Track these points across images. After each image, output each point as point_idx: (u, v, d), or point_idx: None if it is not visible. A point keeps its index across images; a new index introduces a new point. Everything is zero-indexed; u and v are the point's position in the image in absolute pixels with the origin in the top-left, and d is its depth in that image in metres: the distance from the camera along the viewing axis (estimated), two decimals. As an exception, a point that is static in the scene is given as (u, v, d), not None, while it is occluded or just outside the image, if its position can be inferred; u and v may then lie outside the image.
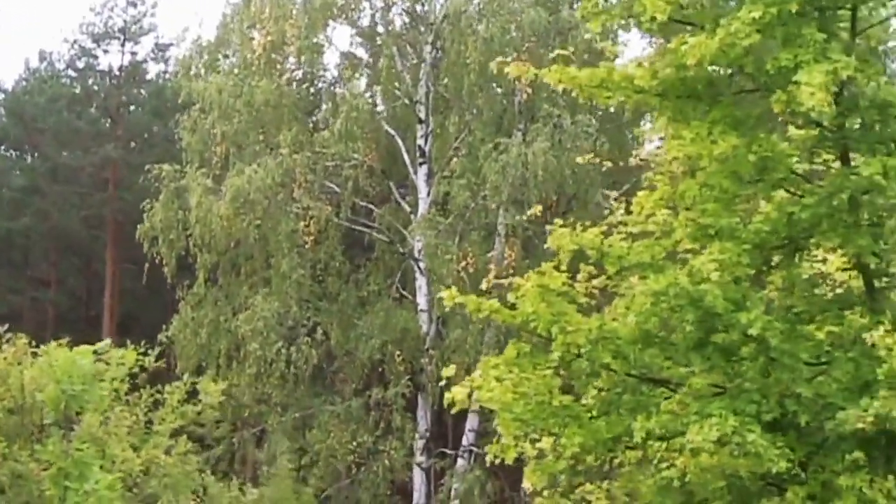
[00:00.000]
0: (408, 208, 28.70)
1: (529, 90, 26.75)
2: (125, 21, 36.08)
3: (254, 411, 27.28)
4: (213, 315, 27.79)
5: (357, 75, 29.84)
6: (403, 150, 29.12)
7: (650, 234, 11.04)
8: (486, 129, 27.95)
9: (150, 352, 13.21)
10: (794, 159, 10.57)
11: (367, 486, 27.52)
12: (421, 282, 28.03)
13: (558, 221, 11.13)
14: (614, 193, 11.92)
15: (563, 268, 10.98)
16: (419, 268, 27.97)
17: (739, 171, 10.35)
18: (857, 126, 10.39)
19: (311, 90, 30.04)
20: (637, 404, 10.55)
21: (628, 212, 10.98)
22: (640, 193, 11.03)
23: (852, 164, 10.37)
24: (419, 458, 27.86)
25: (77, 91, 38.10)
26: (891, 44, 11.22)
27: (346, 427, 27.30)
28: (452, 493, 27.17)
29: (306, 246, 27.62)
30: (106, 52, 36.82)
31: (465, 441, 27.30)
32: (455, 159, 28.30)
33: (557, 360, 10.48)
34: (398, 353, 27.62)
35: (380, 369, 28.31)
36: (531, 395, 10.58)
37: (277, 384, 26.88)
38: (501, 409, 10.59)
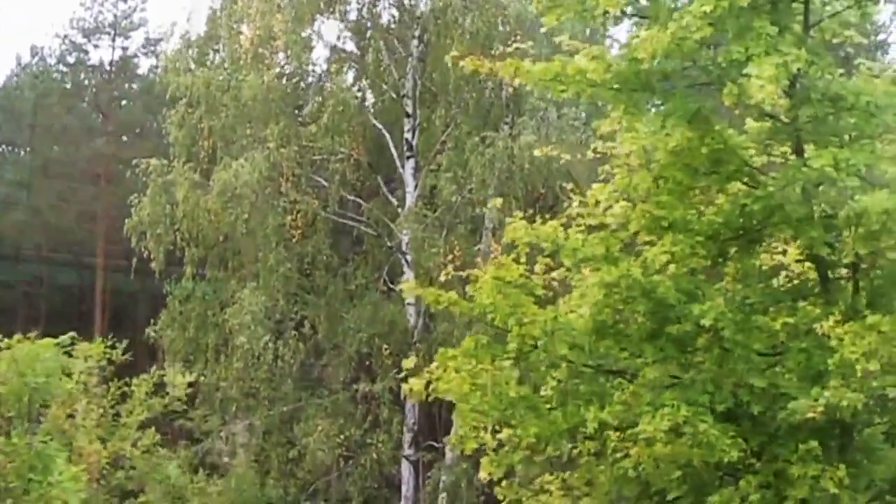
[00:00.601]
0: (395, 202, 28.75)
1: (516, 84, 26.68)
2: (115, 16, 36.14)
3: (241, 405, 27.34)
4: (200, 309, 27.88)
5: (345, 69, 29.86)
6: (391, 143, 29.16)
7: (608, 227, 11.11)
8: (472, 123, 27.98)
9: (117, 345, 13.33)
10: (750, 152, 10.63)
11: (355, 479, 27.60)
12: (408, 275, 28.05)
13: (518, 214, 11.19)
14: (570, 185, 12.01)
15: (523, 260, 11.06)
16: (407, 261, 28.03)
17: (693, 163, 10.42)
18: (809, 119, 10.42)
19: (300, 84, 30.04)
20: (593, 395, 10.64)
21: (583, 204, 11.07)
22: (594, 186, 11.12)
23: (805, 156, 10.43)
24: (407, 451, 27.93)
25: (68, 86, 38.19)
26: (858, 39, 11.13)
27: (334, 420, 27.36)
28: (440, 485, 27.24)
29: (293, 240, 27.67)
30: (97, 47, 36.91)
31: (453, 434, 27.33)
32: (442, 153, 28.32)
33: (515, 351, 10.56)
34: (385, 346, 27.68)
35: (367, 363, 28.35)
36: (489, 387, 10.66)
37: (265, 378, 26.95)
38: (459, 401, 10.70)
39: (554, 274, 11.21)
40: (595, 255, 10.40)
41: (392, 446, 27.42)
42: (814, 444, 10.16)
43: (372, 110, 29.68)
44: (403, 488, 27.81)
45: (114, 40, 36.30)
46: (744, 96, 9.78)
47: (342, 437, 27.07)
